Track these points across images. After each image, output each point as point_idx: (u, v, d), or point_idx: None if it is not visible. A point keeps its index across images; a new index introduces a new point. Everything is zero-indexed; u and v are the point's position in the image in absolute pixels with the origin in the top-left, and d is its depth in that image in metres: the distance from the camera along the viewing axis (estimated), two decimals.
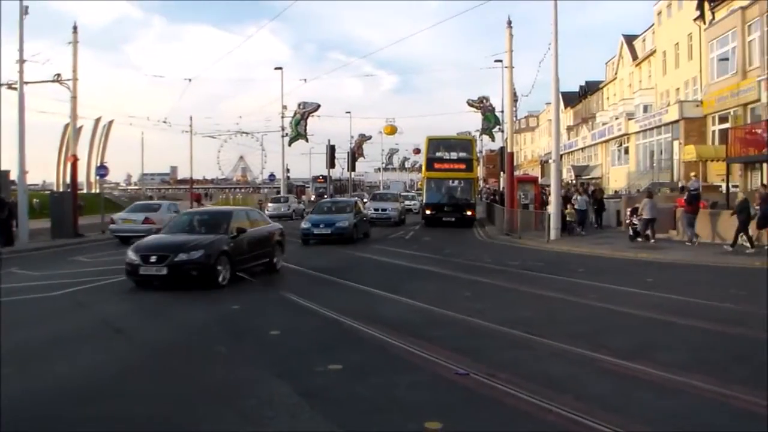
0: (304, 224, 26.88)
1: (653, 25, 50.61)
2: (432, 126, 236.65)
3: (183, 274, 13.87)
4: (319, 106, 55.50)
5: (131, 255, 14.23)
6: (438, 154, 38.80)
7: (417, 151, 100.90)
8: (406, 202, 49.01)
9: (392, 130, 76.48)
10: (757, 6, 30.83)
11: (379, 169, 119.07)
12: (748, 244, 20.14)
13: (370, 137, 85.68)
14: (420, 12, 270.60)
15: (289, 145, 55.27)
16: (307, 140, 56.58)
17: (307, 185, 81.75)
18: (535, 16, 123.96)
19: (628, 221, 25.55)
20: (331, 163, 55.47)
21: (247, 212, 17.85)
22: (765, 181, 26.58)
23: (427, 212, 37.71)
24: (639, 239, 23.73)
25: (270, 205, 48.50)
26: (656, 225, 23.52)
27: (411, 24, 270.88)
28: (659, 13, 48.63)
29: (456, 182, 37.85)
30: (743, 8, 32.69)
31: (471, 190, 38.18)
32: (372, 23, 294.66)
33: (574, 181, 53.41)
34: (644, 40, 54.64)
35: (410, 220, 42.03)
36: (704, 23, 38.44)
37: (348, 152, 67.84)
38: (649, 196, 24.64)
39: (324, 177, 62.07)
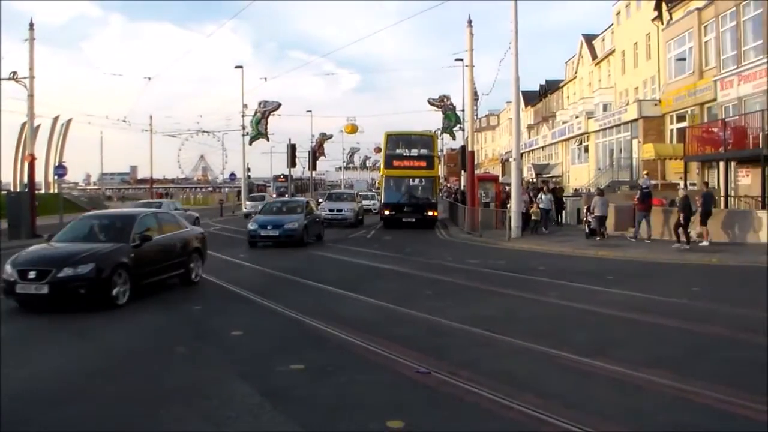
0: (251, 225, 25.16)
1: (612, 25, 51.16)
2: (393, 124, 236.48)
3: (69, 293, 11.41)
4: (280, 104, 55.20)
5: (7, 269, 11.76)
6: (397, 150, 36.55)
7: (378, 149, 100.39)
8: (365, 202, 47.49)
9: (353, 129, 76.43)
10: (713, 7, 31.25)
11: (340, 168, 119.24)
12: (683, 239, 20.66)
13: (331, 136, 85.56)
14: (382, 10, 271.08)
15: (250, 144, 54.99)
16: (267, 139, 56.32)
17: (268, 184, 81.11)
18: (496, 15, 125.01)
19: (585, 219, 25.85)
20: (292, 162, 55.09)
21: (156, 215, 15.10)
22: (706, 179, 27.07)
23: (386, 213, 35.79)
24: (596, 237, 24.12)
25: (248, 203, 49.34)
26: (616, 223, 23.72)
27: (373, 22, 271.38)
28: (618, 14, 49.15)
29: (416, 181, 35.88)
30: (699, 9, 33.14)
31: (432, 189, 36.13)
32: (333, 22, 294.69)
33: (534, 180, 53.76)
34: (603, 40, 55.20)
35: (369, 221, 40.46)
36: (662, 24, 38.93)
37: (309, 151, 67.56)
38: (600, 194, 25.23)
39: (285, 176, 61.48)
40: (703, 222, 21.06)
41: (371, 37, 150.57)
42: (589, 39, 58.77)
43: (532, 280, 15.45)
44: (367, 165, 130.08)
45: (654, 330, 9.89)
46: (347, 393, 6.83)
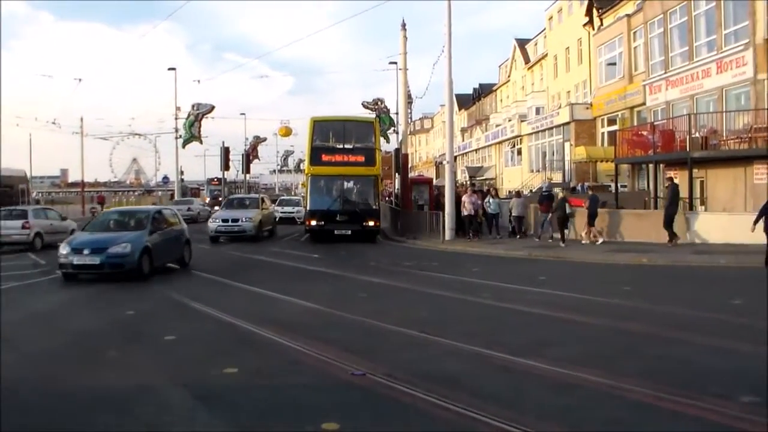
0: (62, 248, 16.94)
1: (545, 29, 51.94)
2: None
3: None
4: (213, 107, 54.29)
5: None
6: (327, 142, 28.19)
7: None
8: (285, 209, 41.14)
9: (287, 132, 76.15)
10: (641, 14, 31.94)
11: (274, 171, 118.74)
12: (559, 237, 22.31)
13: (265, 139, 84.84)
14: (318, 12, 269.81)
15: (183, 147, 53.87)
16: (201, 142, 55.33)
17: (201, 187, 79.84)
18: (431, 18, 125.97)
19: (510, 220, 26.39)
20: (226, 166, 54.18)
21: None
22: (596, 184, 27.55)
23: (313, 223, 27.13)
24: (516, 236, 25.04)
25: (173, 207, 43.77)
26: (546, 224, 24.02)
27: (308, 25, 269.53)
28: (550, 19, 49.94)
29: (352, 181, 28.09)
30: (629, 16, 33.91)
31: (373, 192, 27.92)
32: (268, 24, 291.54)
33: (468, 182, 54.07)
34: (536, 44, 56.03)
35: (288, 231, 33.28)
36: (593, 29, 39.67)
37: (243, 154, 66.70)
38: (517, 195, 26.33)
39: (219, 179, 60.48)
40: (590, 223, 22.51)
41: (306, 39, 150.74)
42: (522, 43, 59.58)
43: (466, 281, 15.44)
44: (301, 168, 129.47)
45: (586, 329, 9.97)
46: (282, 396, 6.76)
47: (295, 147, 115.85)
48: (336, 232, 26.89)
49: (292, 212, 40.38)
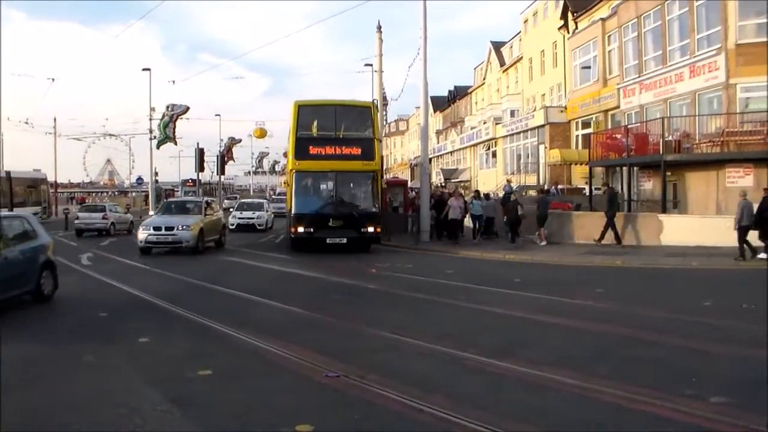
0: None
1: (520, 32, 52.17)
2: None
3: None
4: (188, 108, 54.22)
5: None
6: (316, 131, 23.37)
7: (287, 154, 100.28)
8: (240, 214, 35.52)
9: (262, 134, 76.37)
10: (615, 18, 32.18)
11: (249, 172, 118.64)
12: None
13: (240, 140, 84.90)
14: (293, 14, 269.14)
15: (158, 148, 53.72)
16: (175, 143, 55.29)
17: (176, 189, 79.28)
18: (406, 20, 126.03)
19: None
20: (200, 167, 53.78)
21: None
22: (546, 188, 27.78)
23: (300, 230, 22.28)
24: (483, 237, 25.25)
25: (79, 214, 34.04)
26: (521, 226, 24.06)
27: (284, 26, 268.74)
28: (526, 22, 50.19)
29: (347, 178, 23.42)
30: (603, 20, 34.15)
31: (372, 191, 23.37)
32: (244, 25, 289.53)
33: (442, 184, 54.15)
34: (511, 47, 56.25)
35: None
36: (568, 32, 39.90)
37: (218, 155, 66.34)
38: (477, 197, 26.23)
39: (193, 180, 60.07)
40: (540, 224, 23.29)
41: (282, 41, 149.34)
42: (498, 46, 59.80)
43: (441, 283, 15.42)
44: (277, 170, 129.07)
45: (560, 331, 9.98)
46: (256, 398, 6.70)
47: (270, 149, 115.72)
48: (328, 240, 22.17)
49: (252, 218, 34.95)
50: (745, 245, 17.81)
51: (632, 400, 6.33)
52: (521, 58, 51.48)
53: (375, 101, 27.15)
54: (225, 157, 68.31)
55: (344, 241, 22.25)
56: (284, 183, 23.42)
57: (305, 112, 23.33)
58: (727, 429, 5.63)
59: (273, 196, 65.40)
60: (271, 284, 15.65)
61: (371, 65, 37.42)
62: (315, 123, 23.33)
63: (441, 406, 6.14)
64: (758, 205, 17.65)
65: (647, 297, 13.35)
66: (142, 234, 22.52)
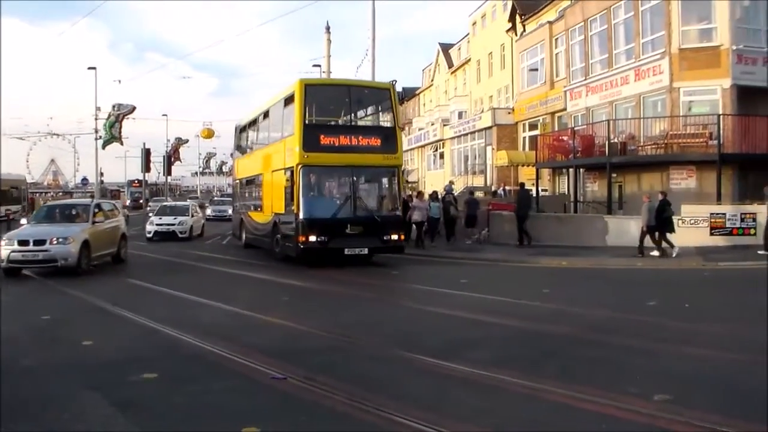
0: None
1: (468, 34, 52.43)
2: None
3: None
4: (134, 108, 53.51)
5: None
6: (329, 117, 20.17)
7: None
8: (158, 219, 29.95)
9: (209, 134, 75.92)
10: (562, 22, 32.53)
11: (196, 173, 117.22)
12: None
13: (187, 141, 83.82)
14: (242, 14, 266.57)
15: (103, 148, 52.81)
16: (122, 143, 54.48)
17: (122, 189, 77.86)
18: (355, 21, 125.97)
19: None
20: (147, 167, 52.83)
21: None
22: (471, 190, 28.05)
23: (312, 239, 17.68)
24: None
25: None
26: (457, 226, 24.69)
27: (231, 26, 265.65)
28: (474, 24, 50.47)
29: (365, 175, 19.29)
30: (551, 23, 34.52)
31: (394, 191, 19.45)
32: (192, 24, 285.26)
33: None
34: (459, 49, 56.52)
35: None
36: (516, 35, 40.21)
37: (164, 156, 65.40)
38: (434, 198, 26.10)
39: (139, 181, 59.15)
40: (468, 225, 24.14)
41: (230, 40, 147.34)
42: (446, 48, 60.03)
43: (387, 285, 15.50)
44: (224, 170, 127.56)
45: (506, 332, 9.99)
46: (202, 401, 6.58)
47: (217, 149, 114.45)
48: (347, 251, 17.94)
49: (173, 225, 29.73)
50: (643, 243, 19.12)
51: (578, 399, 6.35)
52: (469, 60, 51.72)
53: (394, 82, 22.37)
54: (172, 157, 67.39)
55: (365, 251, 18.29)
56: (285, 181, 16.51)
57: (313, 92, 18.97)
58: (669, 426, 5.67)
59: (215, 198, 64.63)
60: (217, 285, 15.28)
61: (319, 66, 37.24)
62: (327, 107, 20.01)
63: (387, 407, 6.11)
64: (657, 207, 18.91)
65: (592, 296, 13.52)
66: (3, 250, 16.72)
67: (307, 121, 18.41)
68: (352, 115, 20.16)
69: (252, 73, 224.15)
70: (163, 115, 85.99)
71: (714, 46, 23.84)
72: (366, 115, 20.32)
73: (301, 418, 6.04)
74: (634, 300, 12.73)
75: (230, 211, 34.54)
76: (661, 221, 18.84)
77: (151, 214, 32.63)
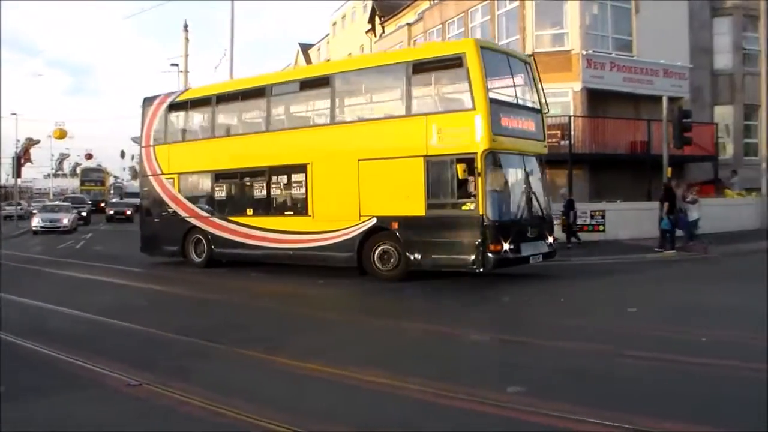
0: None
1: (328, 35, 52.39)
2: (112, 130, 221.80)
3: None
4: None
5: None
6: (505, 96, 15.33)
7: (89, 156, 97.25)
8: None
9: (62, 134, 73.46)
10: (421, 24, 33.01)
11: (48, 175, 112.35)
12: None
13: (38, 141, 79.61)
14: (98, 10, 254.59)
15: None
16: None
17: None
18: (214, 19, 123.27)
19: None
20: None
21: None
22: None
23: (505, 248, 13.71)
24: None
25: None
26: None
27: (87, 23, 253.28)
28: (334, 24, 50.53)
29: (528, 166, 15.38)
30: (409, 24, 34.97)
31: (546, 184, 16.66)
32: (44, 19, 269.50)
33: None
34: (319, 49, 56.52)
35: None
36: (375, 36, 40.47)
37: (13, 157, 61.80)
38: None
39: None
40: None
41: (85, 38, 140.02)
42: (306, 48, 59.83)
43: (251, 287, 15.26)
44: (77, 172, 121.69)
45: (367, 330, 10.09)
46: (53, 413, 6.27)
47: (71, 150, 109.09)
48: (531, 260, 14.79)
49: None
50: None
51: (441, 396, 6.35)
52: (329, 60, 51.71)
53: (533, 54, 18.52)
54: (22, 158, 63.93)
55: (539, 258, 15.02)
56: (409, 174, 14.30)
57: (490, 58, 14.60)
58: (520, 415, 5.78)
59: (47, 204, 61.29)
60: (72, 290, 14.50)
61: (177, 65, 36.16)
62: (501, 79, 15.52)
63: (244, 410, 6.00)
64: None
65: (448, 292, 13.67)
66: None
67: (492, 95, 14.23)
68: (518, 93, 15.82)
69: (108, 72, 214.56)
70: (13, 114, 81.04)
71: (566, 50, 24.81)
72: (521, 94, 15.98)
73: (155, 425, 5.90)
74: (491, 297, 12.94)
75: (66, 221, 32.85)
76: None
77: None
